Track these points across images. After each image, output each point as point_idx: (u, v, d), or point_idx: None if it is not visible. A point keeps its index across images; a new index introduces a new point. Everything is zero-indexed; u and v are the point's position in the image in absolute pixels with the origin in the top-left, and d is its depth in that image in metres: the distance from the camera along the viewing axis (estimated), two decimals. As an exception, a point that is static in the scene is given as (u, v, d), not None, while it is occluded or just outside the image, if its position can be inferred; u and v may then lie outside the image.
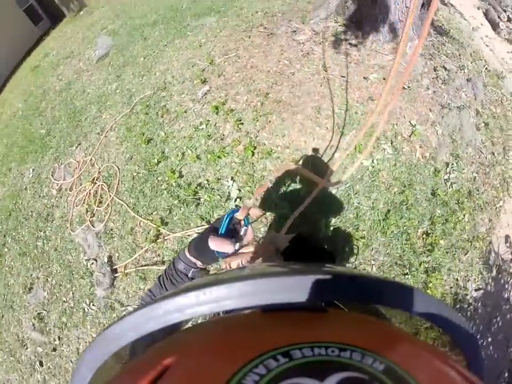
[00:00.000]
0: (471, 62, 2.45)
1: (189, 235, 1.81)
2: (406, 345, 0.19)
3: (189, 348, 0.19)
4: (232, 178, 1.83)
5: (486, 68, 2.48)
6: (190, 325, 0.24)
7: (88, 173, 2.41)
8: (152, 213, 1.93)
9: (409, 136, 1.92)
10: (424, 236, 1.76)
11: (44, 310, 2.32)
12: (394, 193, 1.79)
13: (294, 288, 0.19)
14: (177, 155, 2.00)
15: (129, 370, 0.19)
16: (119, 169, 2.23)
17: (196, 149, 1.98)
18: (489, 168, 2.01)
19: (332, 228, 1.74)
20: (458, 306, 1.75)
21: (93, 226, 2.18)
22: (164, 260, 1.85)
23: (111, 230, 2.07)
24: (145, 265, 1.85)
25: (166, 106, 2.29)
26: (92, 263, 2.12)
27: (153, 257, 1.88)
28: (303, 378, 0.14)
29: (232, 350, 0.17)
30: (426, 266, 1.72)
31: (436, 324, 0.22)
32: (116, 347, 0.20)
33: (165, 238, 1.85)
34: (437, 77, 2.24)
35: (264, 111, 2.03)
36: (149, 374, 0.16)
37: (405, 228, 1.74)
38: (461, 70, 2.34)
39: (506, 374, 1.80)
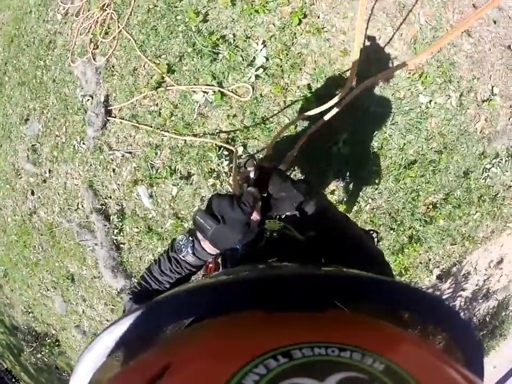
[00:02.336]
0: None
1: (194, 91, 1.50)
2: (406, 345, 0.18)
3: (188, 347, 0.18)
4: (264, 42, 1.41)
5: None
6: (191, 325, 0.23)
7: (99, -3, 1.91)
8: (160, 56, 1.57)
9: (482, 101, 1.48)
10: (431, 206, 1.55)
11: (37, 142, 2.18)
12: (431, 148, 1.47)
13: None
14: (208, -6, 1.50)
15: (129, 370, 0.19)
16: (134, -4, 1.73)
17: (232, -8, 1.47)
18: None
19: (347, 148, 1.45)
20: (414, 281, 1.71)
21: (94, 59, 1.82)
22: (160, 111, 1.59)
23: (113, 66, 1.74)
24: (140, 123, 1.60)
25: None
26: (88, 100, 1.86)
27: (151, 106, 1.61)
28: (303, 378, 0.13)
29: (232, 350, 0.17)
30: (413, 233, 1.57)
31: (431, 322, 0.21)
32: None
33: (168, 87, 1.54)
34: None
35: None
36: (149, 374, 0.16)
37: (419, 187, 1.50)
38: None
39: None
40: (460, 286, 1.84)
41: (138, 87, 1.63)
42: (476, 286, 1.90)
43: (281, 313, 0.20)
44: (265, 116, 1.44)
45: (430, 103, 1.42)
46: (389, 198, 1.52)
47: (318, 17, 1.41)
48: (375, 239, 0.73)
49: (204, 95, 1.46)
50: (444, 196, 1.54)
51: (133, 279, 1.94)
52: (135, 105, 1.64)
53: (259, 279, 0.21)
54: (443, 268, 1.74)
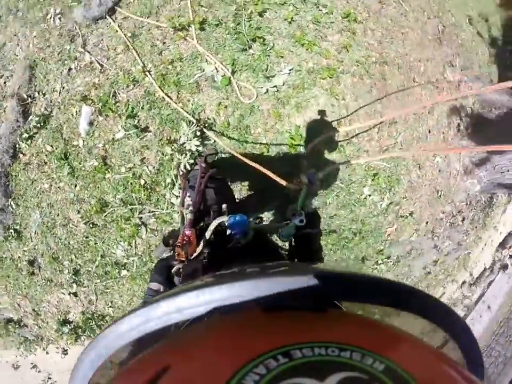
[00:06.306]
0: None
1: (207, 60, 1.33)
2: (406, 345, 0.18)
3: (189, 347, 0.18)
4: (291, 69, 1.36)
5: None
6: (191, 325, 0.22)
7: None
8: (202, 6, 1.37)
9: (401, 216, 1.74)
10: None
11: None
12: (351, 228, 1.65)
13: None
14: None
15: (129, 370, 0.18)
16: None
17: (298, 14, 1.43)
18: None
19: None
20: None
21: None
22: (163, 51, 1.35)
23: (149, -25, 1.44)
24: (134, 47, 1.31)
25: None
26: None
27: (157, 39, 1.36)
28: (303, 378, 0.13)
29: (232, 350, 0.16)
30: None
31: (436, 323, 0.21)
32: (116, 346, 0.20)
33: (187, 37, 1.33)
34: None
35: (369, 69, 1.56)
36: (149, 373, 0.15)
37: (326, 253, 1.65)
38: None
39: None
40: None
41: (160, 14, 1.37)
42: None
43: (281, 313, 0.20)
44: (249, 126, 1.37)
45: (368, 196, 1.64)
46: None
47: (339, 84, 1.48)
48: None
49: (213, 70, 1.31)
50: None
51: (10, 200, 1.45)
52: (143, 26, 1.37)
53: (259, 279, 0.20)
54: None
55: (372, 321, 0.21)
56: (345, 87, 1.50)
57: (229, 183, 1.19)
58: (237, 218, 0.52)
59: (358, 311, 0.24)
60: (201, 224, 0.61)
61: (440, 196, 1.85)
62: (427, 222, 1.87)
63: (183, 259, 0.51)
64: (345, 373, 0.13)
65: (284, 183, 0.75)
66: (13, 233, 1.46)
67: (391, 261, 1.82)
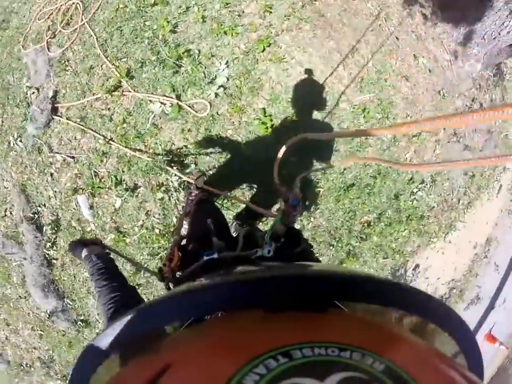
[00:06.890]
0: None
1: (151, 101, 1.34)
2: (406, 346, 0.18)
3: (190, 347, 0.18)
4: (227, 63, 1.33)
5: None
6: (191, 325, 0.22)
7: (67, -14, 1.69)
8: (120, 59, 1.39)
9: (413, 136, 1.59)
10: (366, 224, 1.62)
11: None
12: (368, 174, 1.55)
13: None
14: (181, 6, 1.39)
15: (131, 369, 0.18)
16: (104, -7, 1.55)
17: (205, 9, 1.39)
18: (447, 211, 1.82)
19: (294, 169, 1.39)
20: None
21: (48, 49, 1.57)
22: (112, 116, 1.39)
23: (67, 61, 1.51)
24: (88, 127, 1.37)
25: None
26: (33, 93, 1.58)
27: (102, 109, 1.40)
28: (303, 378, 0.13)
29: (233, 350, 0.16)
30: (350, 249, 1.62)
31: (430, 320, 0.21)
32: (116, 346, 0.20)
33: (124, 93, 1.36)
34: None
35: (302, 15, 1.45)
36: (150, 372, 0.15)
37: (355, 208, 1.56)
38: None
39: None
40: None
41: (92, 87, 1.42)
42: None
43: (282, 313, 0.20)
44: (219, 133, 1.35)
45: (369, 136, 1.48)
46: (329, 217, 1.55)
47: (280, 48, 1.39)
48: None
49: (161, 106, 1.31)
50: (377, 215, 1.61)
51: (65, 299, 1.61)
52: (86, 106, 1.42)
53: (259, 279, 0.21)
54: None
55: (372, 321, 0.21)
56: (288, 46, 1.41)
57: (218, 205, 1.21)
58: (207, 257, 0.53)
59: (358, 311, 0.23)
60: (190, 247, 0.62)
61: (444, 95, 1.65)
62: (444, 128, 1.68)
63: (166, 275, 0.53)
64: (345, 373, 0.13)
65: (271, 214, 0.71)
66: (81, 324, 1.62)
67: (426, 184, 1.67)
